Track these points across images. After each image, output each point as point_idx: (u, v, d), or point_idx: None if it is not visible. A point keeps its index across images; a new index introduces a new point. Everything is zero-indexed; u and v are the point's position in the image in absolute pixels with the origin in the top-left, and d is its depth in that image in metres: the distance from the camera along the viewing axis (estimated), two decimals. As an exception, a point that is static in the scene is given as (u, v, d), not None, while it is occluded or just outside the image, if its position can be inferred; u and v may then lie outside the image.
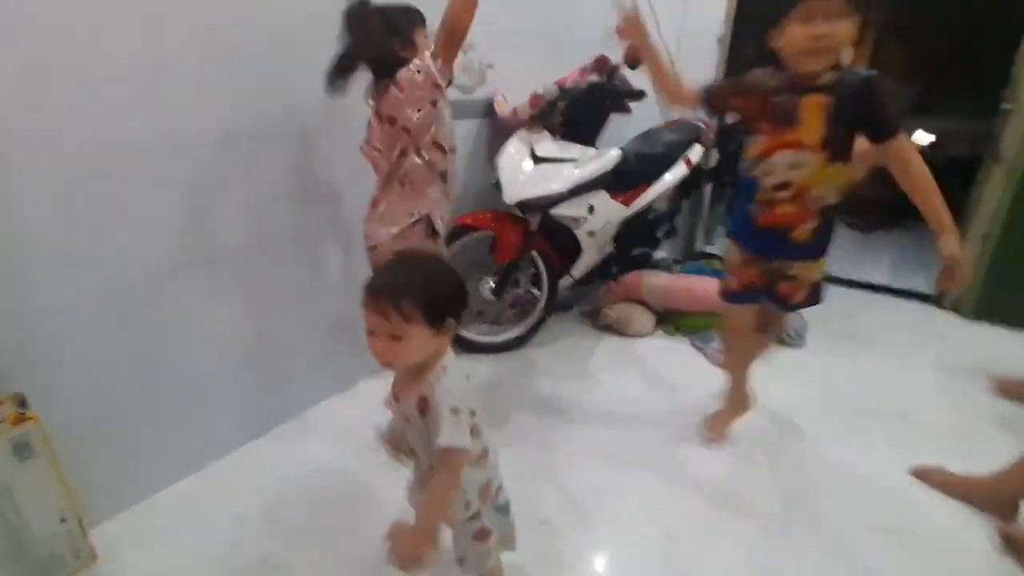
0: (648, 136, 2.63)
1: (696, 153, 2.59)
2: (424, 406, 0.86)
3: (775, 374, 1.85)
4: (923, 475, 1.57)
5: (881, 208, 4.08)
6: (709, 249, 3.31)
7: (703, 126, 2.66)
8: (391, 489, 1.23)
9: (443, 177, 1.43)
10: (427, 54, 1.33)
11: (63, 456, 1.16)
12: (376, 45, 1.32)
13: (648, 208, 2.51)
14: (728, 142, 2.95)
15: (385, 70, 1.34)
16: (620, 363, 2.20)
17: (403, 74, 1.31)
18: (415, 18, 1.38)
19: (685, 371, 2.14)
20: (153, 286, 1.34)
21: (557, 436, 1.75)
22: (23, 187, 1.09)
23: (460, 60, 1.97)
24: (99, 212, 1.21)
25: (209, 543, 1.31)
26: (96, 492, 1.28)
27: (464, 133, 2.16)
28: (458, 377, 0.87)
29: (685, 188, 2.78)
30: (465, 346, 2.15)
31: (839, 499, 1.50)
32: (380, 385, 1.81)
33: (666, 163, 2.48)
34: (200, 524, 1.36)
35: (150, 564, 1.26)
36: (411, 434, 0.92)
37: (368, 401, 1.84)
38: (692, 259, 3.05)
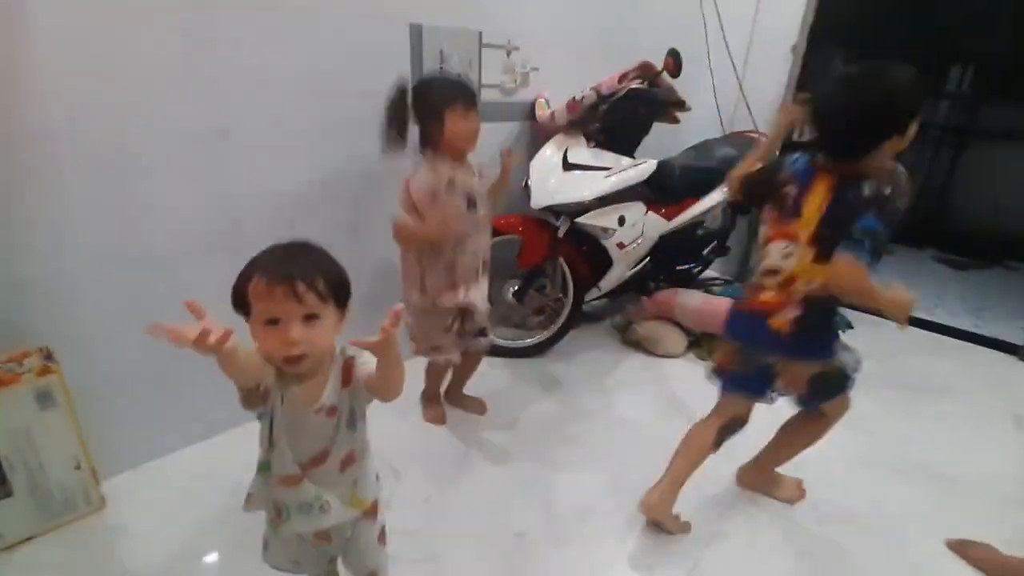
0: (702, 148, 2.50)
1: (753, 169, 2.42)
2: (349, 374, 0.83)
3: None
4: (962, 550, 1.38)
5: (982, 242, 3.65)
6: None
7: (763, 140, 2.48)
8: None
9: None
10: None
11: (84, 410, 1.28)
12: None
13: (695, 224, 2.40)
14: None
15: None
16: (641, 382, 2.10)
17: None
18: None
19: (710, 400, 2.01)
20: (182, 260, 1.44)
21: (557, 450, 1.70)
22: (65, 160, 1.21)
23: (502, 61, 1.99)
24: (135, 188, 1.31)
25: (211, 506, 1.38)
26: (111, 447, 1.40)
27: (503, 135, 2.15)
28: None
29: (741, 206, 2.63)
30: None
31: (856, 569, 1.35)
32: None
33: (718, 178, 2.34)
34: (205, 488, 1.44)
35: (153, 517, 1.36)
36: (309, 435, 0.84)
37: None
38: (744, 280, 2.86)
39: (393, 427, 1.73)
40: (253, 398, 0.80)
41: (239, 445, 1.73)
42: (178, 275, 1.44)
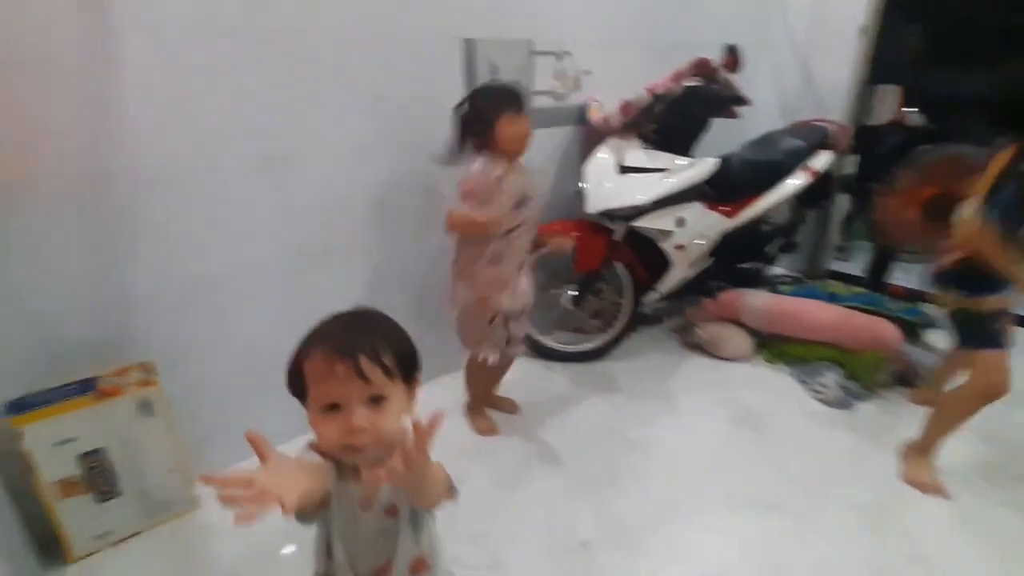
0: (764, 142, 2.39)
1: (822, 160, 2.29)
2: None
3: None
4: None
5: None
6: (840, 268, 2.91)
7: (833, 128, 2.35)
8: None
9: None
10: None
11: (180, 418, 1.39)
12: None
13: (759, 220, 2.30)
14: (872, 145, 2.57)
15: None
16: (704, 387, 2.04)
17: None
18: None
19: (780, 407, 1.92)
20: (261, 278, 1.54)
21: (620, 457, 1.68)
22: (159, 189, 1.33)
23: (553, 67, 1.99)
24: (219, 213, 1.42)
25: None
26: (204, 451, 1.51)
27: (555, 140, 2.15)
28: None
29: (809, 198, 2.49)
30: (544, 353, 2.15)
31: None
32: (456, 380, 1.91)
33: (782, 171, 2.24)
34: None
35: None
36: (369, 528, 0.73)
37: (444, 395, 1.94)
38: (818, 278, 2.71)
39: (452, 432, 1.78)
40: (313, 510, 0.68)
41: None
42: (259, 293, 1.54)
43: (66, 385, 1.25)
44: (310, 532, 0.74)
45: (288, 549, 1.36)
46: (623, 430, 1.80)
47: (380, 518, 0.71)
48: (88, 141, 1.21)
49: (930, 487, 1.53)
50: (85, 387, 1.26)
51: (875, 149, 2.58)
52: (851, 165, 2.63)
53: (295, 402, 0.70)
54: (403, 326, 0.73)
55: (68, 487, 1.25)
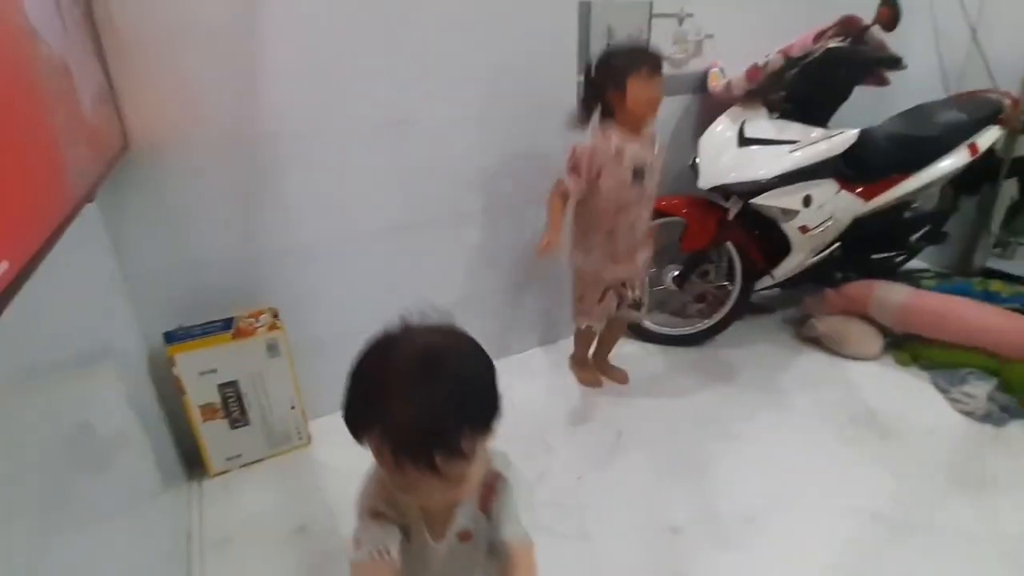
0: (918, 114, 2.09)
1: (988, 137, 1.97)
2: (488, 497, 0.70)
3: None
4: None
5: None
6: (997, 265, 2.49)
7: (1006, 101, 2.00)
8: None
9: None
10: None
11: (300, 361, 1.53)
12: None
13: (901, 205, 2.03)
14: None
15: None
16: (819, 384, 1.86)
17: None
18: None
19: (909, 414, 1.71)
20: (379, 237, 1.63)
21: (717, 446, 1.59)
22: (287, 153, 1.44)
23: (673, 31, 1.87)
24: (340, 174, 1.52)
25: None
26: (320, 393, 1.64)
27: (672, 109, 2.03)
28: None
29: (968, 182, 2.16)
30: (640, 334, 2.08)
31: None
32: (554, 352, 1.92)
33: (938, 149, 1.95)
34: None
35: (350, 455, 1.58)
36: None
37: (540, 365, 1.95)
38: (968, 275, 2.35)
39: (546, 403, 1.78)
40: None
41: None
42: (377, 250, 1.64)
43: (210, 322, 1.42)
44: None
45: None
46: (723, 421, 1.69)
47: (454, 544, 0.68)
48: (234, 106, 1.34)
49: None
50: (226, 326, 1.42)
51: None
52: (1025, 146, 2.23)
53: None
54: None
55: (209, 412, 1.43)
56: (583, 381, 1.85)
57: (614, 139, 1.40)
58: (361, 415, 0.59)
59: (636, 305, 1.69)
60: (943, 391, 1.78)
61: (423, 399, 0.56)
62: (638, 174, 1.42)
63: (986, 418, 1.65)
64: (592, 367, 1.87)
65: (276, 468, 1.54)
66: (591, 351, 1.86)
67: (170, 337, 1.37)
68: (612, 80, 1.36)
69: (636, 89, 1.34)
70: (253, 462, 1.54)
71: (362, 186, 1.56)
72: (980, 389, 1.69)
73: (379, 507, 0.68)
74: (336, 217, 1.55)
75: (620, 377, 1.88)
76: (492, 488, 0.69)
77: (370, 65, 1.45)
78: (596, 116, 1.47)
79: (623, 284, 1.63)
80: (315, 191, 1.50)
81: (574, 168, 1.43)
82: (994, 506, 1.37)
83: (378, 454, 0.59)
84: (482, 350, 0.63)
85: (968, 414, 1.67)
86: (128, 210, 1.29)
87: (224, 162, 1.37)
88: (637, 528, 1.33)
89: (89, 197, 0.85)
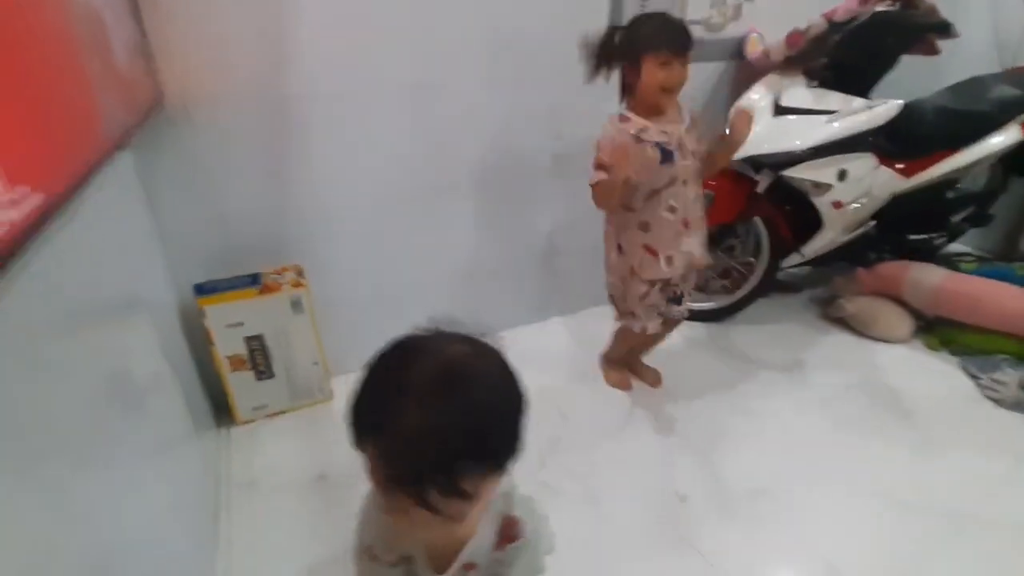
0: (968, 87, 1.97)
1: (1046, 115, 1.85)
2: (508, 537, 0.66)
3: None
4: None
5: None
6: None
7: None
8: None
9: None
10: None
11: (323, 318, 1.57)
12: None
13: (945, 183, 1.93)
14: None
15: None
16: (844, 366, 1.82)
17: None
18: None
19: (937, 399, 1.66)
20: (404, 198, 1.64)
21: (732, 421, 1.59)
22: (316, 114, 1.45)
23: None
24: (366, 136, 1.52)
25: None
26: (342, 351, 1.68)
27: (704, 77, 1.96)
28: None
29: (1020, 162, 2.04)
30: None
31: None
32: (572, 322, 1.92)
33: (988, 125, 1.85)
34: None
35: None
36: None
37: (558, 335, 1.95)
38: (1011, 260, 2.24)
39: (563, 372, 1.80)
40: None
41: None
42: (402, 214, 1.65)
43: (238, 277, 1.46)
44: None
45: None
46: (741, 397, 1.68)
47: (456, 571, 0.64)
48: (266, 66, 1.35)
49: None
50: (253, 281, 1.46)
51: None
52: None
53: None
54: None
55: (236, 362, 1.49)
56: (611, 382, 1.75)
57: (633, 121, 1.29)
58: (362, 422, 0.53)
59: (679, 299, 1.51)
60: (973, 377, 1.72)
61: (429, 421, 0.48)
62: (667, 153, 1.29)
63: (1016, 406, 1.60)
64: (623, 367, 1.77)
65: (299, 420, 1.60)
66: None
67: (200, 289, 1.42)
68: (627, 54, 1.24)
69: (650, 71, 1.21)
70: (277, 413, 1.61)
71: (388, 150, 1.56)
72: (1012, 377, 1.63)
73: (376, 548, 0.65)
74: (362, 180, 1.57)
75: (652, 379, 1.75)
76: (511, 539, 0.65)
77: (397, 27, 1.44)
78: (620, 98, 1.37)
79: (669, 282, 1.46)
80: (342, 154, 1.51)
81: (599, 165, 1.31)
82: (1015, 495, 1.34)
83: (371, 471, 0.53)
84: (514, 378, 0.55)
85: (998, 402, 1.62)
86: (162, 165, 1.33)
87: (255, 121, 1.39)
88: (645, 494, 1.35)
89: (122, 144, 0.88)
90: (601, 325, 1.74)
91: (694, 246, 1.43)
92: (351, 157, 1.53)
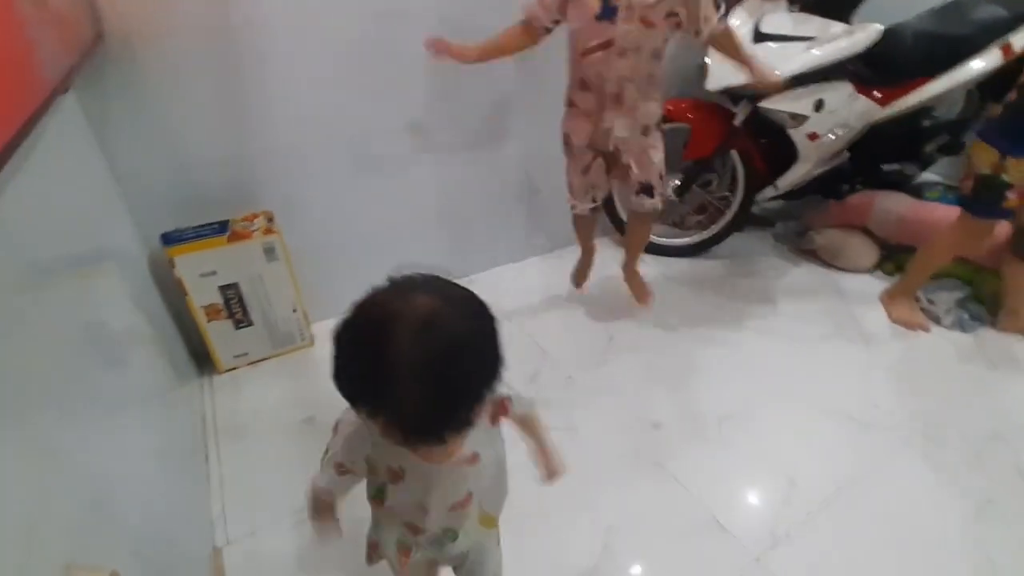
0: (952, 9, 1.91)
1: (1025, 37, 1.82)
2: (499, 414, 0.72)
3: None
4: None
5: None
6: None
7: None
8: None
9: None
10: None
11: (300, 264, 1.55)
12: None
13: (921, 111, 1.92)
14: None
15: None
16: (810, 295, 1.89)
17: None
18: None
19: (891, 326, 1.75)
20: (374, 139, 1.58)
21: (705, 352, 1.65)
22: (276, 47, 1.36)
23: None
24: (338, 74, 1.44)
25: None
26: (321, 296, 1.68)
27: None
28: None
29: (998, 86, 2.02)
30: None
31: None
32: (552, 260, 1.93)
33: (968, 48, 1.81)
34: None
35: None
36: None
37: (537, 273, 1.96)
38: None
39: (541, 308, 1.83)
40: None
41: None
42: (368, 154, 1.59)
43: (205, 225, 1.42)
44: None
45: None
46: (712, 328, 1.75)
47: (459, 468, 0.68)
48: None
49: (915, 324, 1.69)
50: (221, 228, 1.43)
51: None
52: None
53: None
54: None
55: (212, 312, 1.48)
56: (572, 279, 1.79)
57: None
58: (364, 398, 0.56)
59: (646, 190, 1.44)
60: (917, 300, 1.81)
61: (428, 393, 0.52)
62: (608, 9, 1.17)
63: (955, 325, 1.71)
64: (581, 271, 1.77)
65: (282, 366, 1.62)
66: (587, 250, 1.73)
67: (167, 239, 1.38)
68: None
69: None
70: (260, 360, 1.62)
71: (352, 85, 1.48)
72: (949, 298, 1.73)
73: (347, 463, 0.70)
74: (326, 119, 1.49)
75: (640, 294, 1.70)
76: (504, 412, 0.71)
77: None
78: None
79: (615, 154, 1.40)
80: (303, 91, 1.43)
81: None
82: (953, 406, 1.45)
83: (384, 429, 0.57)
84: (484, 307, 0.57)
85: (937, 322, 1.73)
86: (110, 107, 1.25)
87: (206, 55, 1.30)
88: (621, 423, 1.42)
89: (63, 87, 0.82)
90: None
91: (619, 126, 1.34)
92: (313, 94, 1.45)
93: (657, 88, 1.35)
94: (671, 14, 1.22)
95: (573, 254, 1.80)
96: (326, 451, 0.73)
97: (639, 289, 1.75)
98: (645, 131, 1.38)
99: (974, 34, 1.81)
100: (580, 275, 1.81)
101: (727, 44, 1.31)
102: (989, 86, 1.97)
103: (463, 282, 0.58)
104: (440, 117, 1.66)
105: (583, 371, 1.59)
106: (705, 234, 2.05)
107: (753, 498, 1.26)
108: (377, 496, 0.73)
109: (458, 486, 0.70)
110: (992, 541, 1.15)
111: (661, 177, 1.46)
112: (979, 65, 1.81)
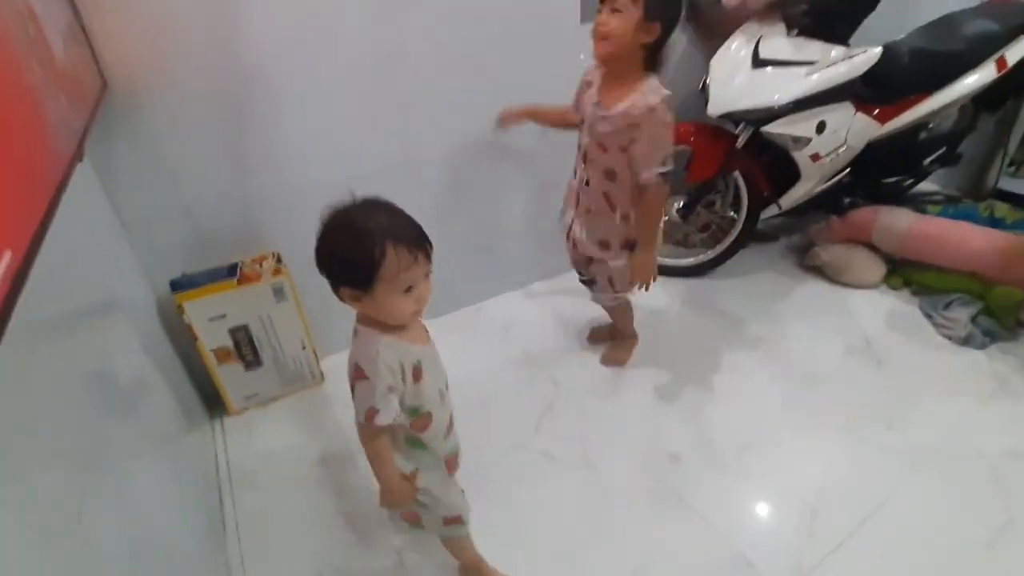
0: (944, 25, 1.95)
1: (1019, 50, 1.85)
2: None
3: None
4: None
5: None
6: (1010, 186, 2.43)
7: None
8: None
9: None
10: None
11: (308, 301, 1.53)
12: None
13: (919, 125, 1.95)
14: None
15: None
16: (819, 313, 1.89)
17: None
18: None
19: (904, 340, 1.75)
20: (376, 177, 1.55)
21: (717, 377, 1.65)
22: (282, 92, 1.36)
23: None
24: (334, 113, 1.44)
25: None
26: (329, 332, 1.67)
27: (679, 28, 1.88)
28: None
29: (992, 98, 2.05)
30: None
31: None
32: (555, 286, 1.93)
33: (963, 64, 1.84)
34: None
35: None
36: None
37: (541, 300, 1.97)
38: (983, 198, 2.30)
39: (550, 336, 1.82)
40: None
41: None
42: (374, 188, 1.56)
43: (214, 269, 1.41)
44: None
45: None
46: (723, 350, 1.74)
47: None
48: (215, 38, 1.24)
49: None
50: (230, 272, 1.42)
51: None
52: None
53: None
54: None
55: (223, 355, 1.47)
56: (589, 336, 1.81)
57: (595, 70, 1.26)
58: (364, 252, 0.73)
59: (585, 281, 1.56)
60: (928, 315, 1.82)
61: (394, 211, 0.78)
62: (589, 120, 1.25)
63: (967, 341, 1.70)
64: (595, 331, 1.80)
65: (293, 405, 1.61)
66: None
67: (176, 285, 1.37)
68: None
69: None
70: (270, 400, 1.60)
71: (354, 124, 1.48)
72: (962, 313, 1.73)
73: (393, 382, 0.80)
74: (329, 157, 1.48)
75: (610, 357, 1.71)
76: None
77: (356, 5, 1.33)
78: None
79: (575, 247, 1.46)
80: (305, 130, 1.42)
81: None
82: (969, 427, 1.45)
83: (390, 281, 0.74)
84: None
85: (949, 338, 1.73)
86: (118, 158, 1.24)
87: (210, 101, 1.30)
88: (638, 456, 1.41)
89: (80, 154, 0.81)
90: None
91: (576, 226, 1.41)
92: (316, 135, 1.44)
93: (615, 207, 1.32)
94: (623, 149, 1.22)
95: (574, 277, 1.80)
96: (365, 401, 0.79)
97: (611, 354, 1.72)
98: (603, 245, 1.39)
99: (968, 50, 1.84)
100: (593, 335, 1.80)
101: (646, 202, 1.27)
102: (983, 98, 2.00)
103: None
104: (444, 154, 1.66)
105: (597, 402, 1.58)
106: (711, 253, 2.05)
107: (777, 531, 1.24)
108: (414, 413, 0.86)
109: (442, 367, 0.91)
110: (1015, 561, 1.14)
111: (611, 283, 1.46)
112: (975, 80, 1.84)
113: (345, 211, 0.77)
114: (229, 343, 1.46)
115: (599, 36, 1.14)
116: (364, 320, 0.81)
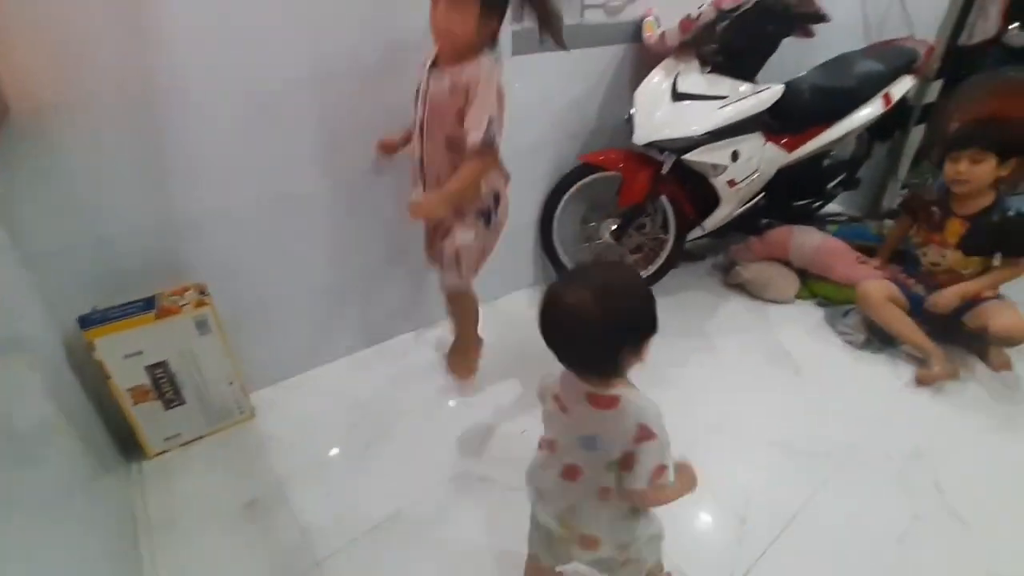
0: (838, 65, 2.17)
1: (902, 87, 2.09)
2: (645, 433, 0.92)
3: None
4: None
5: None
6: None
7: (921, 50, 2.11)
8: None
9: None
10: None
11: (234, 334, 1.47)
12: None
13: (821, 154, 2.14)
14: (962, 68, 2.28)
15: None
16: (744, 328, 2.01)
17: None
18: None
19: (819, 349, 1.90)
20: (308, 200, 1.54)
21: (651, 392, 1.68)
22: (204, 114, 1.31)
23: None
24: (255, 138, 1.41)
25: (340, 416, 1.60)
26: (258, 365, 1.61)
27: (605, 61, 1.99)
28: None
29: (882, 130, 2.29)
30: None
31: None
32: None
33: (855, 99, 2.06)
34: (335, 401, 1.65)
35: (295, 425, 1.58)
36: None
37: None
38: (880, 218, 2.53)
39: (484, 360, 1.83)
40: None
41: (366, 365, 1.91)
42: (308, 213, 1.56)
43: (130, 303, 1.33)
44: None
45: (334, 451, 1.50)
46: (656, 366, 1.78)
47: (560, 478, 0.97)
48: (121, 59, 1.17)
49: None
50: (147, 305, 1.34)
51: (965, 73, 2.30)
52: (935, 92, 2.36)
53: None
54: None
55: (139, 394, 1.37)
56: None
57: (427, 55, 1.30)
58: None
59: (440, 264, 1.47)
60: (831, 325, 1.99)
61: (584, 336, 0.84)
62: (418, 96, 1.30)
63: (866, 346, 1.88)
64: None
65: (219, 444, 1.52)
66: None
67: (85, 321, 1.28)
68: None
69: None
70: (194, 440, 1.51)
71: (267, 148, 1.42)
72: (857, 321, 1.92)
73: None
74: (247, 180, 1.43)
75: (454, 368, 1.65)
76: (647, 438, 0.85)
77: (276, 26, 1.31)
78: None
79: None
80: (218, 153, 1.36)
81: None
82: (877, 427, 1.57)
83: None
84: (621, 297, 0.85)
85: (851, 343, 1.90)
86: (16, 185, 1.16)
87: (120, 123, 1.21)
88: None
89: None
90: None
91: (421, 199, 1.37)
92: (231, 157, 1.38)
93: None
94: (458, 113, 1.23)
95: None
96: (656, 459, 0.87)
97: (454, 364, 1.66)
98: (457, 212, 1.35)
99: (859, 87, 2.05)
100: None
101: (460, 172, 1.25)
102: (876, 129, 2.23)
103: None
104: (353, 182, 1.61)
105: (535, 422, 1.58)
106: (644, 274, 2.14)
107: (709, 540, 1.29)
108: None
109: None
110: (923, 554, 1.24)
111: (457, 259, 1.39)
112: (866, 113, 2.06)
113: (609, 272, 0.89)
114: (147, 381, 1.37)
115: (439, 35, 1.20)
116: (622, 383, 0.87)
